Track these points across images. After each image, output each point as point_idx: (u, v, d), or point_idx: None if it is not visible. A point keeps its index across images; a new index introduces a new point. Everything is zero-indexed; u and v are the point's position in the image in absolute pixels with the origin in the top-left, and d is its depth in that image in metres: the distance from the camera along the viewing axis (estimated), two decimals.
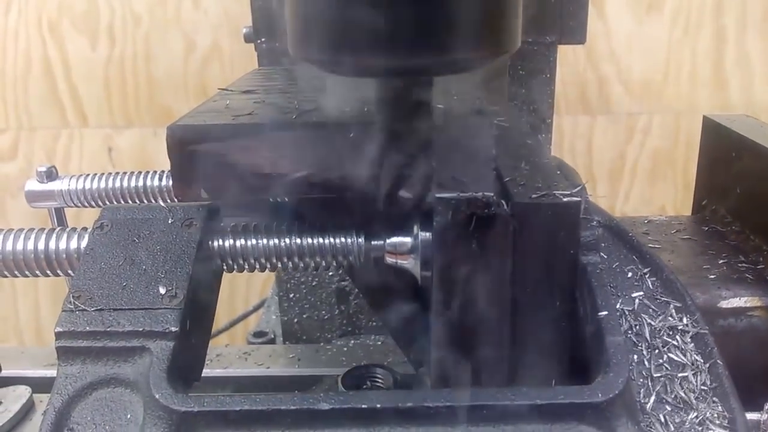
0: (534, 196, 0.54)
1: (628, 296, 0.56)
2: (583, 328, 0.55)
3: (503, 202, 0.54)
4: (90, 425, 0.50)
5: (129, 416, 0.50)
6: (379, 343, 1.21)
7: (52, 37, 1.58)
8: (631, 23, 1.55)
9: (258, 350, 1.20)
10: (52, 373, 1.14)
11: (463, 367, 0.60)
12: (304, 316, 1.24)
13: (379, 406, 0.48)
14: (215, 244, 0.59)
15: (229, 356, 1.11)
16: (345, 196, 0.58)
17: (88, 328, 0.52)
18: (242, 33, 1.16)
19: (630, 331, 0.53)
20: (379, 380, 0.87)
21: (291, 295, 1.26)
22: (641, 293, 0.56)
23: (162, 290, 0.54)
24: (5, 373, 1.13)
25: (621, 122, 1.61)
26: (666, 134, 1.63)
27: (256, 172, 0.55)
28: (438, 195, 0.55)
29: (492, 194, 0.54)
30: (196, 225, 0.58)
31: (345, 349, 1.21)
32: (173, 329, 0.52)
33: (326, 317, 1.23)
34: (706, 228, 0.72)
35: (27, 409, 1.07)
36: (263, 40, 1.11)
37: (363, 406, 0.48)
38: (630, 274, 0.57)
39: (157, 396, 0.49)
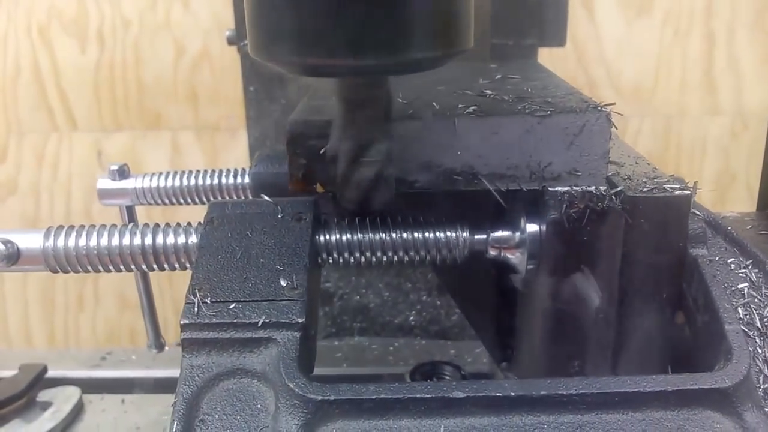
0: (645, 189, 0.56)
1: (734, 287, 0.57)
2: (694, 319, 0.56)
3: (614, 195, 0.56)
4: (221, 415, 0.50)
5: (259, 406, 0.51)
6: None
7: (41, 41, 1.57)
8: (621, 27, 1.56)
9: None
10: (99, 373, 1.15)
11: (567, 359, 0.61)
12: None
13: (513, 394, 0.49)
14: (321, 238, 0.60)
15: None
16: (453, 189, 0.59)
17: (214, 320, 0.52)
18: (225, 35, 1.17)
19: (740, 321, 0.55)
20: (447, 376, 0.88)
21: None
22: (746, 284, 0.57)
23: (283, 282, 0.54)
24: (52, 373, 1.13)
25: None
26: (656, 138, 1.64)
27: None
28: (551, 188, 0.57)
29: (605, 187, 0.56)
30: (306, 219, 0.59)
31: (390, 348, 1.22)
32: (299, 320, 0.52)
33: None
34: None
35: (78, 410, 1.08)
36: (246, 42, 1.12)
37: (497, 394, 0.49)
38: (733, 266, 0.59)
39: (291, 385, 0.49)
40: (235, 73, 1.28)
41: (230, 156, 1.64)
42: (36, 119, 1.62)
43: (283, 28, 0.49)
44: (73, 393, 1.08)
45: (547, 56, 1.08)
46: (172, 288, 1.69)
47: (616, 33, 1.57)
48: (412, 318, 1.25)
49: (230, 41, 1.17)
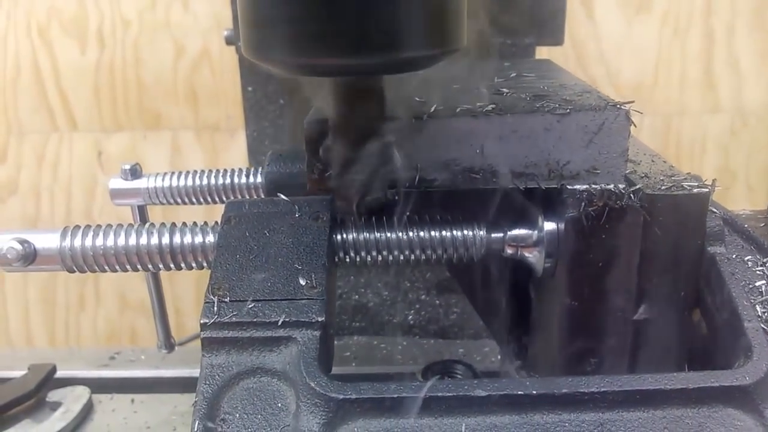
0: (663, 187, 0.56)
1: (752, 285, 0.57)
2: (712, 317, 0.57)
3: (632, 193, 0.56)
4: (242, 414, 0.50)
5: (280, 405, 0.51)
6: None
7: (41, 42, 1.58)
8: (620, 25, 1.56)
9: None
10: (108, 373, 1.15)
11: (583, 357, 0.61)
12: None
13: (534, 392, 0.49)
14: (339, 237, 0.60)
15: None
16: (471, 188, 0.59)
17: (234, 318, 0.52)
18: (223, 35, 1.18)
19: (759, 318, 0.55)
20: (459, 375, 0.88)
21: None
22: (764, 282, 0.57)
23: (302, 281, 0.54)
24: (61, 373, 1.13)
25: None
26: (656, 136, 1.64)
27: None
28: (570, 186, 0.57)
29: (624, 185, 0.56)
30: (323, 218, 0.59)
31: (399, 347, 1.22)
32: (319, 319, 0.52)
33: None
34: None
35: (87, 410, 1.07)
36: None
37: (519, 392, 0.49)
38: (750, 264, 0.59)
39: (312, 384, 0.49)
40: (234, 73, 1.29)
41: (230, 156, 1.64)
42: (36, 120, 1.62)
43: (275, 28, 0.49)
44: (82, 393, 1.08)
45: (545, 55, 1.08)
46: (173, 287, 1.69)
47: (615, 31, 1.57)
48: (411, 317, 1.25)
49: (229, 41, 1.17)
